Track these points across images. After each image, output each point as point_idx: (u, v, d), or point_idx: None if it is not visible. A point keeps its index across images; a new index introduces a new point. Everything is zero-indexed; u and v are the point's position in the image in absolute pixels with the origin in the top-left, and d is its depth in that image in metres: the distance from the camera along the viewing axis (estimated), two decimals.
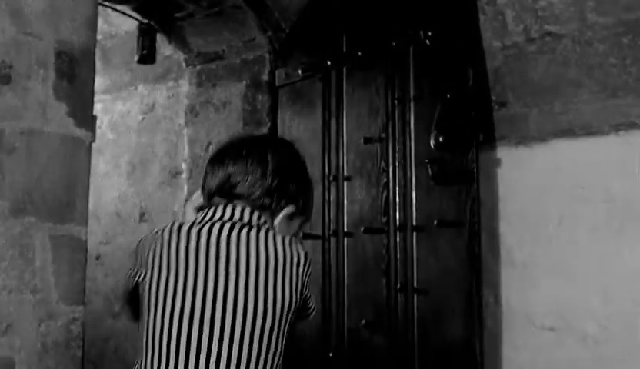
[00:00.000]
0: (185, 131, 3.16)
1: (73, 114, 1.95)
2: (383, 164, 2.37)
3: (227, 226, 1.18)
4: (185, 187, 3.13)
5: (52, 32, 1.92)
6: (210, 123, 3.04)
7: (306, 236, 2.55)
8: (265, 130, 2.85)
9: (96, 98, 2.14)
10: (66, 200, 1.93)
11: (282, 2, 2.76)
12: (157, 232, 1.21)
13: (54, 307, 1.88)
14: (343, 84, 2.54)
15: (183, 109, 3.21)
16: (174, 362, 1.11)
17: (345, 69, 2.54)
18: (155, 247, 1.18)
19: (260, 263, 1.14)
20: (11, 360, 1.80)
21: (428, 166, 2.22)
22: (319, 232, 2.53)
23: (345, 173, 2.50)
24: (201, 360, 1.10)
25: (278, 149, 1.30)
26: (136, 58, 3.23)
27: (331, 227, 2.51)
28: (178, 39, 3.07)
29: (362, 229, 2.39)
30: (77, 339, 1.93)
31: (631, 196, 2.04)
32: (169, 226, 1.21)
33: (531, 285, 2.21)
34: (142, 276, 1.18)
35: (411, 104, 2.31)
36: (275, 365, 1.17)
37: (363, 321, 2.38)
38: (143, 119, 3.61)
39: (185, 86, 3.20)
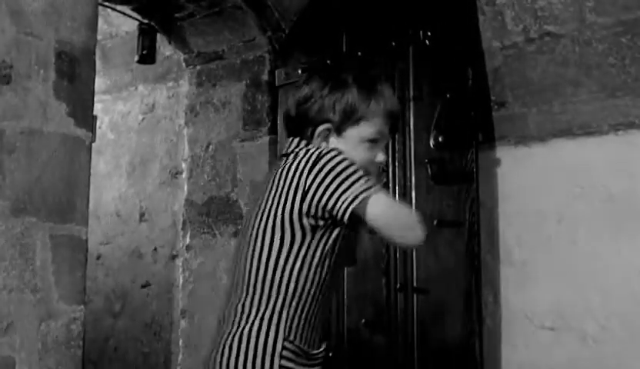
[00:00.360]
0: (185, 131, 3.17)
1: (73, 114, 1.96)
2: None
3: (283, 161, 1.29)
4: (185, 187, 3.13)
5: (53, 32, 1.92)
6: (210, 123, 3.04)
7: None
8: (264, 130, 2.86)
9: (96, 98, 2.14)
10: (66, 200, 1.93)
11: (282, 2, 2.76)
12: None
13: (54, 307, 1.88)
14: None
15: (183, 109, 3.22)
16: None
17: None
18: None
19: (271, 184, 1.24)
20: (12, 360, 1.80)
21: (428, 166, 2.22)
22: None
23: None
24: (239, 288, 1.25)
25: (351, 75, 1.32)
26: (136, 58, 3.23)
27: None
28: (178, 39, 3.07)
29: None
30: (77, 338, 1.93)
31: (631, 195, 2.05)
32: None
33: (531, 285, 2.21)
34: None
35: (411, 104, 2.31)
36: (287, 291, 1.21)
37: (363, 321, 2.38)
38: (143, 119, 3.61)
39: (185, 86, 3.21)
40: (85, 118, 2.00)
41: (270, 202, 1.23)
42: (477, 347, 2.11)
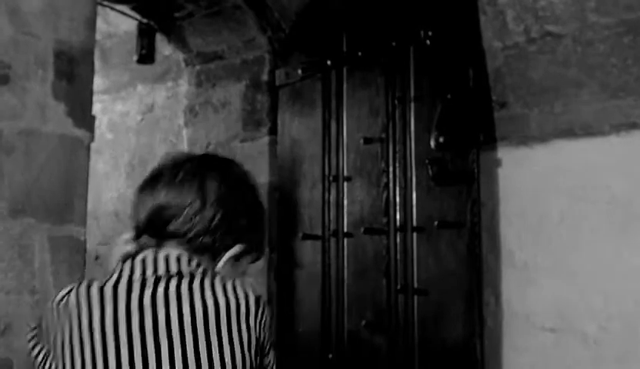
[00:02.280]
0: (184, 132, 3.15)
1: (72, 115, 1.95)
2: (383, 164, 2.37)
3: (149, 282, 0.94)
4: None
5: (51, 32, 1.91)
6: (209, 123, 3.03)
7: (306, 236, 2.55)
8: (264, 130, 2.85)
9: (95, 98, 2.13)
10: (65, 200, 1.92)
11: (282, 2, 2.75)
12: (62, 300, 0.95)
13: None
14: (343, 84, 2.53)
15: (182, 109, 3.21)
16: None
17: (345, 69, 2.53)
18: (64, 326, 0.93)
19: (197, 321, 0.90)
20: (10, 362, 1.79)
21: (429, 166, 2.21)
22: (319, 232, 2.52)
23: (345, 173, 2.49)
24: None
25: (222, 172, 1.02)
26: (135, 57, 3.22)
27: (331, 228, 2.50)
28: (178, 39, 3.06)
29: (362, 229, 2.39)
30: None
31: (632, 196, 2.04)
32: (75, 291, 0.95)
33: (532, 285, 2.21)
34: (50, 363, 0.95)
35: (412, 105, 2.30)
36: None
37: (363, 322, 2.37)
38: (142, 119, 3.60)
39: (184, 86, 3.20)
40: (84, 118, 1.99)
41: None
42: (478, 349, 2.10)
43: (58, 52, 1.93)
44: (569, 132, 2.15)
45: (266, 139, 2.83)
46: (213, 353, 0.90)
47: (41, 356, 0.98)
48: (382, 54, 2.40)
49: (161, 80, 3.49)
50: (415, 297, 2.24)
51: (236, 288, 0.95)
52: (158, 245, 0.99)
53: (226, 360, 0.91)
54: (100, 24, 2.58)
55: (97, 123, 3.72)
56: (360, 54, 2.47)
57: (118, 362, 0.89)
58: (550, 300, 2.17)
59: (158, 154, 3.49)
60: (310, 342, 2.49)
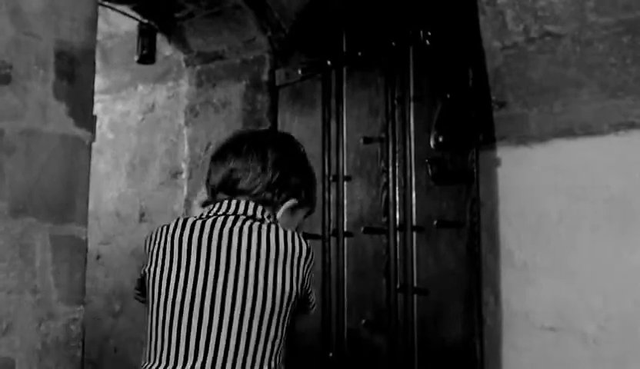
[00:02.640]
0: (184, 131, 3.16)
1: (73, 115, 1.95)
2: (383, 164, 2.37)
3: (230, 219, 1.20)
4: (185, 187, 3.13)
5: (52, 32, 1.92)
6: (210, 123, 3.04)
7: (306, 236, 2.55)
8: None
9: (96, 98, 2.14)
10: (66, 200, 1.93)
11: (282, 2, 2.76)
12: (163, 226, 1.23)
13: (54, 307, 1.88)
14: (343, 84, 2.53)
15: (183, 109, 3.21)
16: (175, 350, 1.14)
17: (344, 69, 2.54)
18: (160, 239, 1.21)
19: (261, 252, 1.16)
20: (11, 361, 1.79)
21: (428, 166, 2.22)
22: (319, 232, 2.53)
23: (345, 173, 2.50)
24: (200, 346, 1.12)
25: (277, 143, 1.30)
26: (136, 58, 3.23)
27: (331, 227, 2.51)
28: (178, 39, 3.07)
29: (362, 229, 2.39)
30: (77, 339, 1.93)
31: (631, 196, 2.04)
32: (175, 220, 1.23)
33: (531, 285, 2.21)
34: (147, 267, 1.21)
35: (411, 104, 2.31)
36: (274, 353, 1.17)
37: (363, 321, 2.37)
38: (143, 119, 3.61)
39: (184, 86, 3.20)
40: (85, 118, 1.99)
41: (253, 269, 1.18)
42: (477, 348, 2.11)
43: (59, 52, 1.93)
44: (568, 132, 2.16)
45: None
46: (269, 277, 1.15)
47: (143, 265, 1.24)
48: (382, 54, 2.40)
49: (162, 80, 3.50)
50: (415, 297, 2.24)
51: (294, 237, 1.20)
52: (230, 199, 1.24)
53: (278, 283, 1.15)
54: (101, 24, 2.59)
55: (98, 123, 3.72)
56: (360, 54, 2.47)
57: (197, 269, 1.15)
58: (549, 299, 2.17)
59: (158, 154, 3.50)
60: (310, 341, 2.49)
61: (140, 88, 3.63)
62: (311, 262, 1.22)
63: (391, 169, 2.35)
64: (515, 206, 2.26)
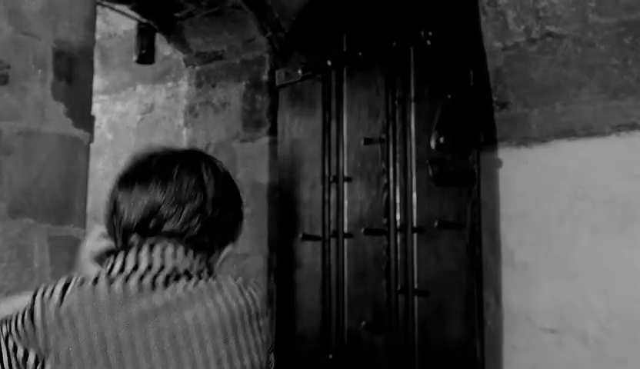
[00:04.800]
0: (184, 132, 3.15)
1: (71, 115, 1.94)
2: (383, 164, 2.36)
3: (160, 281, 0.88)
4: None
5: (50, 32, 1.91)
6: (209, 123, 3.03)
7: (306, 237, 2.55)
8: (264, 130, 2.84)
9: (95, 98, 2.13)
10: (64, 201, 1.91)
11: (282, 2, 2.75)
12: (62, 302, 0.85)
13: None
14: (343, 84, 2.53)
15: (182, 109, 3.20)
16: None
17: (345, 70, 2.53)
18: (68, 335, 0.84)
19: (215, 326, 0.87)
20: None
21: (429, 167, 2.21)
22: (319, 233, 2.52)
23: (346, 174, 2.49)
24: None
25: (213, 168, 0.97)
26: (135, 58, 3.22)
27: (331, 228, 2.50)
28: (178, 39, 3.06)
29: (362, 230, 2.38)
30: None
31: (632, 197, 2.04)
32: (77, 291, 0.86)
33: (532, 286, 2.20)
34: None
35: (412, 105, 2.30)
36: None
37: (363, 323, 2.37)
38: (142, 119, 3.60)
39: (184, 86, 3.19)
40: (84, 118, 1.98)
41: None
42: (478, 349, 2.10)
43: (58, 52, 1.92)
44: (569, 132, 2.15)
45: (266, 139, 2.83)
46: (234, 359, 0.88)
47: (11, 346, 0.86)
48: (383, 54, 2.39)
49: (161, 80, 3.49)
50: (415, 298, 2.24)
51: (244, 289, 0.92)
52: (152, 244, 0.92)
53: (246, 365, 0.89)
54: (100, 24, 2.58)
55: (96, 123, 3.72)
56: (360, 54, 2.47)
57: None
58: (550, 300, 2.16)
59: None
60: (310, 342, 2.48)
61: (139, 88, 3.62)
62: (268, 315, 0.96)
63: (391, 170, 2.34)
64: (515, 207, 2.26)
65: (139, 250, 0.91)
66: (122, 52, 3.54)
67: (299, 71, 2.65)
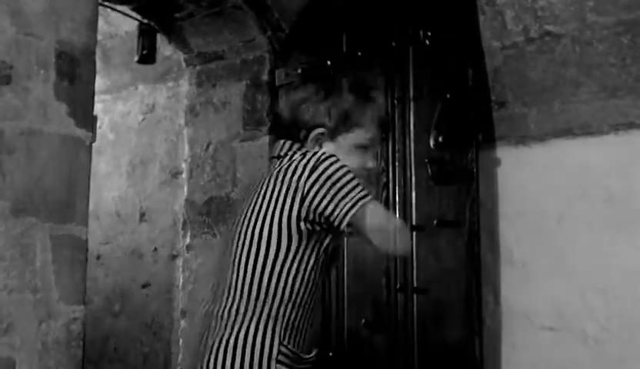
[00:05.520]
0: (185, 131, 3.16)
1: (73, 115, 1.96)
2: (383, 163, 2.38)
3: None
4: (185, 187, 3.13)
5: (53, 32, 1.92)
6: (210, 123, 3.04)
7: None
8: (265, 130, 2.85)
9: (96, 98, 2.14)
10: (66, 200, 1.93)
11: (282, 2, 2.76)
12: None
13: (54, 307, 1.88)
14: None
15: (183, 109, 3.22)
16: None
17: (344, 69, 2.54)
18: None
19: (265, 187, 1.24)
20: (12, 360, 1.80)
21: (428, 166, 2.22)
22: None
23: None
24: (230, 290, 1.25)
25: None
26: (136, 58, 3.23)
27: None
28: (178, 39, 3.07)
29: None
30: (77, 338, 1.93)
31: (631, 196, 2.04)
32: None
33: (531, 285, 2.21)
34: None
35: (411, 104, 2.31)
36: (284, 296, 1.22)
37: (363, 321, 2.38)
38: (143, 119, 3.61)
39: (185, 86, 3.21)
40: (85, 118, 2.00)
41: (265, 205, 1.22)
42: (477, 347, 2.11)
43: (60, 53, 1.94)
44: (568, 132, 2.16)
45: (266, 139, 2.84)
46: (260, 212, 1.24)
47: None
48: (382, 54, 2.41)
49: (162, 80, 3.51)
50: (415, 296, 2.25)
51: (293, 155, 1.27)
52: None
53: (267, 218, 1.23)
54: (101, 24, 2.60)
55: (98, 123, 3.76)
56: (360, 54, 2.48)
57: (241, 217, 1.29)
58: (549, 298, 2.17)
59: (159, 154, 3.50)
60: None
61: (140, 88, 3.63)
62: (311, 172, 1.19)
63: (390, 169, 2.35)
64: (514, 206, 2.26)
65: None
66: (124, 52, 3.56)
67: (299, 71, 2.66)
